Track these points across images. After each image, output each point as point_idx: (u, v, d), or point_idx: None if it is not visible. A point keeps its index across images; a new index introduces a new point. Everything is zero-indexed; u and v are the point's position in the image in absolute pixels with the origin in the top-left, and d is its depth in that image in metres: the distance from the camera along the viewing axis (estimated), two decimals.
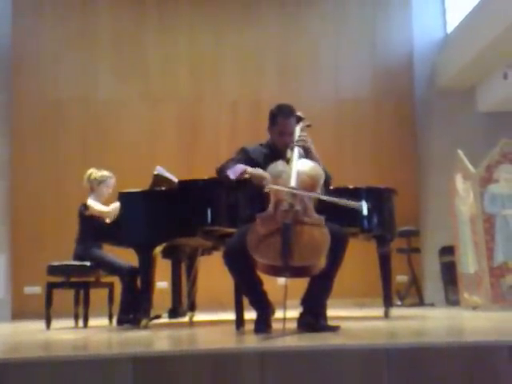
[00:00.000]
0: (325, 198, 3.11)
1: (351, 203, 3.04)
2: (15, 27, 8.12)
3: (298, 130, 3.44)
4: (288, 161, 3.29)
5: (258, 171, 3.18)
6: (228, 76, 8.28)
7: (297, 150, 3.31)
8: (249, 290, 3.24)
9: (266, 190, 3.13)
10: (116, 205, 4.61)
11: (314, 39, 8.44)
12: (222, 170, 3.32)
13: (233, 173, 3.18)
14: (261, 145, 3.54)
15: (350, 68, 8.42)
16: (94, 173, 5.16)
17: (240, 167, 3.20)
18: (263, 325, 3.11)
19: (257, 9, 8.41)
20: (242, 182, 3.21)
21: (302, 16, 8.41)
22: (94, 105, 8.11)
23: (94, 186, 5.11)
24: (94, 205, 4.95)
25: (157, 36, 8.30)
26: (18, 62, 8.08)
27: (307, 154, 3.37)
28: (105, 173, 5.17)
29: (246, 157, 3.41)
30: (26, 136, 7.95)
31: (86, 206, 5.00)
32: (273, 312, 3.39)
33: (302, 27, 8.41)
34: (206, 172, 4.16)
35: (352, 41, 8.48)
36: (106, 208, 4.90)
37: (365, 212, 3.33)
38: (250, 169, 3.20)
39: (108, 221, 4.70)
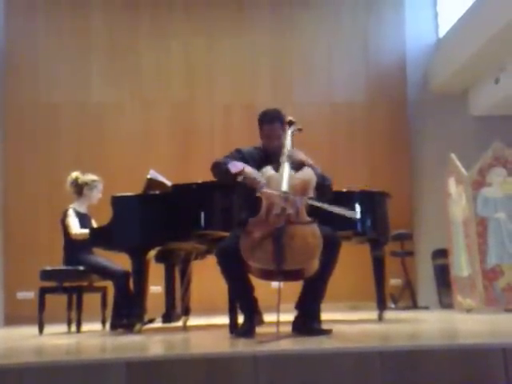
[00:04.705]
0: (317, 204, 3.11)
1: (344, 212, 3.05)
2: (8, 31, 8.10)
3: (288, 133, 3.45)
4: (280, 165, 3.28)
5: (255, 174, 3.16)
6: (221, 80, 8.29)
7: (288, 154, 3.30)
8: (239, 293, 3.25)
9: (258, 194, 3.13)
10: (86, 231, 4.60)
11: (308, 43, 8.47)
12: (219, 164, 3.29)
13: (233, 167, 3.17)
14: (255, 148, 3.55)
15: (344, 72, 8.45)
16: (82, 177, 5.07)
17: (240, 163, 3.19)
18: (248, 329, 3.12)
19: (250, 13, 8.43)
20: (237, 182, 3.19)
21: (296, 21, 8.43)
22: (88, 108, 8.09)
23: (84, 191, 5.05)
24: (71, 223, 4.89)
25: (150, 40, 8.31)
26: (11, 65, 8.06)
27: (301, 166, 3.34)
28: (94, 177, 5.08)
29: (241, 158, 3.40)
30: (20, 140, 7.92)
31: (65, 214, 4.97)
32: (260, 321, 3.40)
33: (296, 32, 8.44)
34: (200, 176, 4.16)
35: (345, 45, 8.51)
36: (78, 230, 4.85)
37: (358, 217, 3.34)
38: (247, 169, 3.17)
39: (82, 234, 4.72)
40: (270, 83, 8.25)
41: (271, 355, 2.21)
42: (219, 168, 3.28)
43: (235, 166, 3.18)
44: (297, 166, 3.30)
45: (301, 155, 3.36)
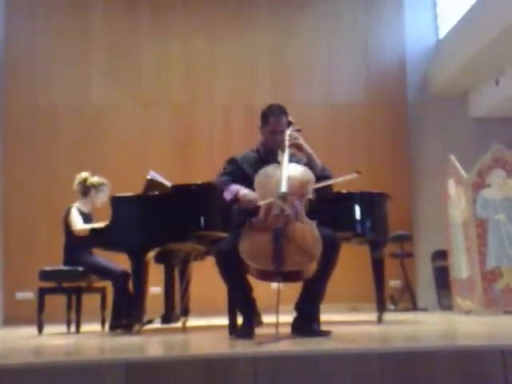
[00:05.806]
0: (320, 185, 3.15)
1: (344, 177, 3.12)
2: (8, 31, 8.09)
3: (287, 134, 3.45)
4: (279, 163, 3.29)
5: (248, 196, 3.18)
6: (221, 81, 8.29)
7: (287, 153, 3.31)
8: (238, 294, 3.25)
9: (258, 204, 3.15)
10: (89, 227, 4.58)
11: (307, 45, 8.47)
12: (217, 190, 3.35)
13: (228, 194, 3.23)
14: (251, 150, 3.55)
15: (343, 73, 8.45)
16: (91, 178, 5.06)
17: (234, 189, 3.23)
18: (247, 331, 3.12)
19: (249, 14, 8.44)
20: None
21: (295, 22, 8.44)
22: (88, 110, 8.09)
23: (90, 193, 5.05)
24: (74, 220, 4.88)
25: (150, 41, 8.31)
26: (10, 65, 8.05)
27: (300, 150, 3.38)
28: (102, 180, 5.08)
29: (235, 168, 3.42)
30: (19, 141, 7.92)
31: (68, 212, 4.95)
32: (259, 322, 3.41)
33: (295, 33, 8.44)
34: (200, 177, 4.16)
35: (345, 46, 8.52)
36: (80, 226, 4.83)
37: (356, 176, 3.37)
38: (241, 192, 3.21)
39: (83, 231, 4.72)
40: (270, 84, 8.25)
41: (270, 356, 2.21)
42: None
43: (230, 193, 3.23)
44: (298, 149, 3.39)
45: (300, 140, 3.39)
